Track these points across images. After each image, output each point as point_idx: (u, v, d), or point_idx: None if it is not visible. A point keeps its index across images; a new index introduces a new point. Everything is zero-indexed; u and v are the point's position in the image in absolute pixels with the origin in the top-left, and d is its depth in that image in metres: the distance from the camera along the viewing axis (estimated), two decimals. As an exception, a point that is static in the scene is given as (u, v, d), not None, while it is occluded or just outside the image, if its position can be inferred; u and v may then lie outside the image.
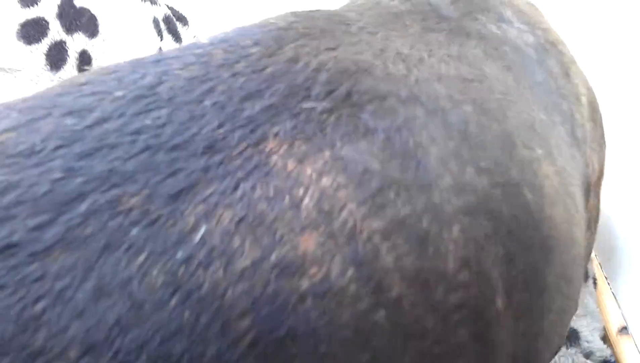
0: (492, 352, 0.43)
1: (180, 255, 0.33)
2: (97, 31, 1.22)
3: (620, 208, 1.19)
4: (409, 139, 0.41)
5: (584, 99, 0.63)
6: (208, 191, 0.35)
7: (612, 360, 1.09)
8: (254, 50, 0.43)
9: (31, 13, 1.15)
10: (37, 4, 1.16)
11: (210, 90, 0.39)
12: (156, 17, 1.33)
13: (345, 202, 0.37)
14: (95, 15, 1.22)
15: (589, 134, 0.63)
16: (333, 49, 0.44)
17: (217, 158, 0.36)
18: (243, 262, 0.34)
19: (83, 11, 1.21)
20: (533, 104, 0.52)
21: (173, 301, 0.32)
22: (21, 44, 1.14)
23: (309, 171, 0.37)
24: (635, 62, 1.13)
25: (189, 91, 0.39)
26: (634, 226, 1.13)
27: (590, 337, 1.10)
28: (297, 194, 0.36)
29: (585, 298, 1.15)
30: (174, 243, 0.33)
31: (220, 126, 0.37)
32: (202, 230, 0.34)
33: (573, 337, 1.09)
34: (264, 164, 0.37)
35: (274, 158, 0.37)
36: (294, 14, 0.48)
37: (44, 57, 1.15)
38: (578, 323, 1.11)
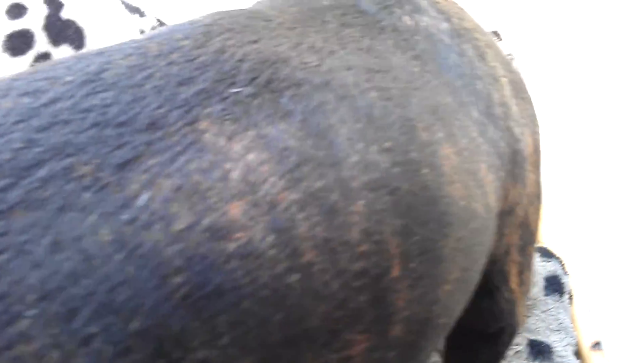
0: (388, 316, 0.48)
1: (125, 216, 0.38)
2: (84, 43, 1.24)
3: (596, 225, 1.20)
4: (322, 120, 0.46)
5: (503, 80, 0.68)
6: (150, 162, 0.40)
7: (584, 375, 1.10)
8: (185, 43, 0.48)
9: (17, 25, 1.17)
10: (23, 16, 1.18)
11: (150, 76, 0.44)
12: (143, 29, 1.35)
13: (267, 175, 0.42)
14: (82, 27, 1.24)
15: (515, 110, 0.68)
16: (255, 41, 0.50)
17: (158, 134, 0.41)
18: (179, 225, 0.38)
19: (69, 23, 1.23)
20: (439, 89, 0.57)
21: (119, 257, 0.37)
22: (7, 56, 1.16)
23: (236, 147, 0.42)
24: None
25: (130, 77, 0.44)
26: (611, 242, 1.15)
27: (563, 352, 1.10)
28: (226, 167, 0.41)
29: (560, 313, 1.16)
30: (121, 206, 0.38)
31: (159, 106, 0.42)
32: (145, 196, 0.38)
33: (545, 352, 1.10)
34: (198, 141, 0.41)
35: (207, 135, 0.42)
36: (219, 12, 0.53)
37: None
38: (552, 338, 1.12)
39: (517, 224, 0.73)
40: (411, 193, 0.49)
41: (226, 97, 0.44)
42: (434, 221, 0.50)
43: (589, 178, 1.23)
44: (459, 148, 0.55)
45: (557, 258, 1.22)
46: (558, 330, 1.14)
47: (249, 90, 0.45)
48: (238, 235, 0.40)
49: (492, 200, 0.61)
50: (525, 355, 1.10)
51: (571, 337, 1.14)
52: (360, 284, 0.45)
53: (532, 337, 1.12)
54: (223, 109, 0.43)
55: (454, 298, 0.55)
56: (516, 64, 1.57)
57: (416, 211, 0.49)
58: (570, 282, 1.22)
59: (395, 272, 0.48)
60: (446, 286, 0.53)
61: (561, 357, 1.10)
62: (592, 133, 1.21)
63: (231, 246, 0.39)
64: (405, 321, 0.50)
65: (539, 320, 1.14)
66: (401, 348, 0.51)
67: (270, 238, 0.41)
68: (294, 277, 0.42)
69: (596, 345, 1.14)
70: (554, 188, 1.42)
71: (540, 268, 1.19)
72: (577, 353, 1.15)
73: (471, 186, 0.56)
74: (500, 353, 0.83)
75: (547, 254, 1.22)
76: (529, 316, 1.14)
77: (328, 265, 0.43)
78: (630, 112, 1.05)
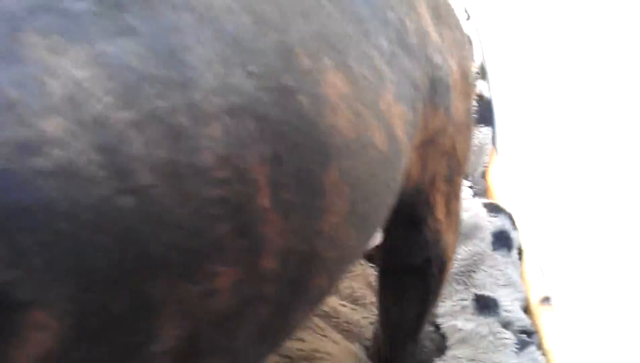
0: (258, 248, 0.45)
1: None
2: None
3: (545, 180, 1.17)
4: (174, 40, 0.43)
5: (422, 8, 0.66)
6: None
7: (532, 330, 1.07)
8: None
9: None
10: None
11: None
12: None
13: (97, 93, 0.39)
14: None
15: (436, 38, 0.66)
16: None
17: None
18: None
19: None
20: (337, 16, 0.54)
21: None
22: None
23: (63, 62, 0.39)
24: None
25: None
26: (560, 196, 1.12)
27: (510, 306, 1.08)
28: (48, 82, 0.38)
29: (508, 268, 1.13)
30: None
31: None
32: None
33: (492, 306, 1.07)
34: (16, 53, 0.38)
35: (28, 48, 0.39)
36: None
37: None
38: (499, 292, 1.10)
39: (441, 153, 0.71)
40: (284, 120, 0.46)
41: (61, 12, 0.41)
42: (312, 151, 0.48)
43: (543, 136, 1.20)
44: (354, 77, 0.53)
45: (506, 213, 1.20)
46: (506, 285, 1.11)
47: (90, 6, 0.42)
48: (53, 151, 0.37)
49: (401, 132, 0.58)
50: (471, 310, 1.07)
51: (519, 292, 1.12)
52: (220, 213, 0.42)
53: (479, 292, 1.09)
54: (54, 23, 0.40)
55: (345, 232, 0.52)
56: (481, 43, 1.55)
57: (290, 139, 0.46)
58: (519, 237, 1.19)
59: (264, 202, 0.45)
60: (331, 218, 0.50)
61: (507, 311, 1.07)
62: (545, 96, 1.19)
63: (44, 163, 0.36)
64: (280, 254, 0.47)
65: (487, 276, 1.11)
66: (281, 283, 0.48)
67: (95, 157, 0.38)
68: (126, 200, 0.38)
69: (545, 300, 1.12)
70: (508, 145, 1.39)
71: (488, 223, 1.16)
72: (526, 309, 1.12)
73: (366, 116, 0.53)
74: (431, 289, 0.82)
75: (495, 209, 1.20)
76: (475, 272, 1.11)
77: (172, 190, 0.40)
78: (582, 82, 1.02)
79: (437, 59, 0.65)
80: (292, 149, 0.46)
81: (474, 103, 1.41)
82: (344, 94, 0.51)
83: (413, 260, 0.79)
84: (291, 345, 0.88)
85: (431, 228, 0.75)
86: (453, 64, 0.69)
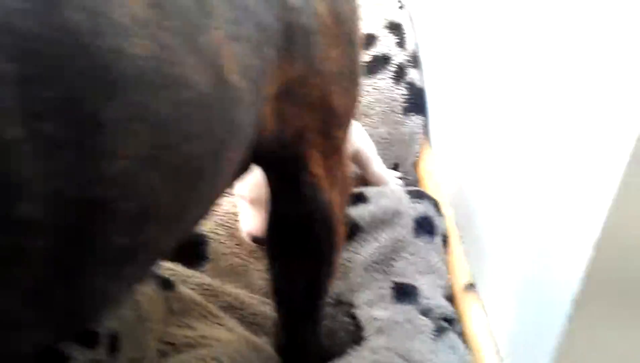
0: (9, 188, 0.39)
1: None
2: None
3: (476, 169, 1.13)
4: None
5: None
6: None
7: (454, 317, 1.02)
8: None
9: None
10: None
11: None
12: None
13: None
14: None
15: None
16: None
17: None
18: None
19: None
20: None
21: None
22: None
23: None
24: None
25: None
26: (486, 181, 1.08)
27: (430, 293, 1.03)
28: None
29: (430, 255, 1.08)
30: None
31: None
32: None
33: (411, 294, 1.02)
34: None
35: None
36: None
37: None
38: (420, 280, 1.05)
39: (307, 105, 0.66)
40: (42, 37, 0.40)
41: None
42: (87, 78, 0.42)
43: (475, 126, 1.16)
44: (161, 3, 0.47)
45: (431, 199, 1.15)
46: (428, 272, 1.07)
47: None
48: None
49: (237, 76, 0.53)
50: (389, 299, 1.02)
51: (441, 279, 1.07)
52: None
53: (399, 280, 1.04)
54: None
55: (145, 181, 0.46)
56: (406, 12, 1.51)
57: (50, 59, 0.40)
58: (445, 224, 1.15)
59: (11, 132, 0.38)
60: (120, 162, 0.44)
61: (427, 298, 1.02)
62: (478, 86, 1.15)
63: None
64: (45, 199, 0.40)
65: (408, 263, 1.07)
66: (56, 238, 0.42)
67: None
68: None
69: (470, 287, 1.07)
70: (440, 135, 1.35)
71: (410, 209, 1.11)
72: (451, 296, 1.07)
73: (177, 50, 0.47)
74: (319, 255, 0.78)
75: (419, 195, 1.15)
76: (395, 259, 1.07)
77: None
78: (516, 74, 0.99)
79: (294, 1, 0.60)
80: (54, 72, 0.40)
81: (405, 91, 1.37)
82: (142, 18, 0.45)
83: (293, 218, 0.75)
84: (176, 332, 0.83)
85: (307, 182, 0.71)
86: (320, 8, 0.63)
